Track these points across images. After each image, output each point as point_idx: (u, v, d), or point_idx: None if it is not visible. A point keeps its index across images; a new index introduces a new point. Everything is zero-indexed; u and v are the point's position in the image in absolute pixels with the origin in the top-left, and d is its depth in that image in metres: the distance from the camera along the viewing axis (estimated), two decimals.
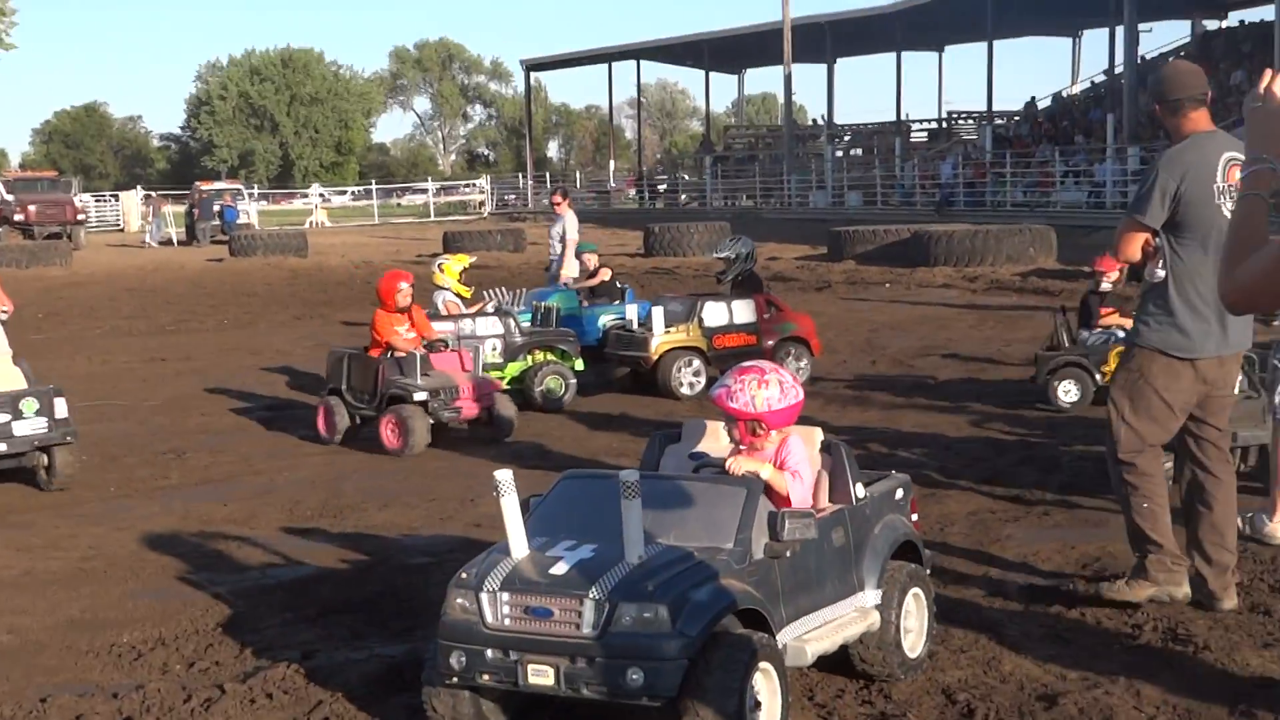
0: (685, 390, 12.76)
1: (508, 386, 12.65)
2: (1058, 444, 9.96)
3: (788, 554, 4.91)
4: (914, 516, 5.83)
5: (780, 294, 18.15)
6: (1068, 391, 11.22)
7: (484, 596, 4.73)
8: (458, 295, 13.23)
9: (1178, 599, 6.13)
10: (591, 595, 4.56)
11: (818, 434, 5.64)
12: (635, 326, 13.38)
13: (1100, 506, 8.06)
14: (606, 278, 15.31)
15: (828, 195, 47.67)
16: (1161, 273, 6.09)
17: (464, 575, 4.84)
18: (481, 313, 12.90)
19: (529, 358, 12.70)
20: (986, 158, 43.50)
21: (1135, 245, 6.15)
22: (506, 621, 4.69)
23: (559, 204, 18.23)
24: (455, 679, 4.75)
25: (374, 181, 72.43)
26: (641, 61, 63.54)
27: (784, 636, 4.88)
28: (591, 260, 15.72)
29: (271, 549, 7.95)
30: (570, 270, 16.83)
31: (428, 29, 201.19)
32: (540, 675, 4.59)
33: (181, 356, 17.62)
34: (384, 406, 10.85)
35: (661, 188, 62.56)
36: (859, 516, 5.42)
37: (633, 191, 65.32)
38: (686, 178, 62.55)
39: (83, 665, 6.08)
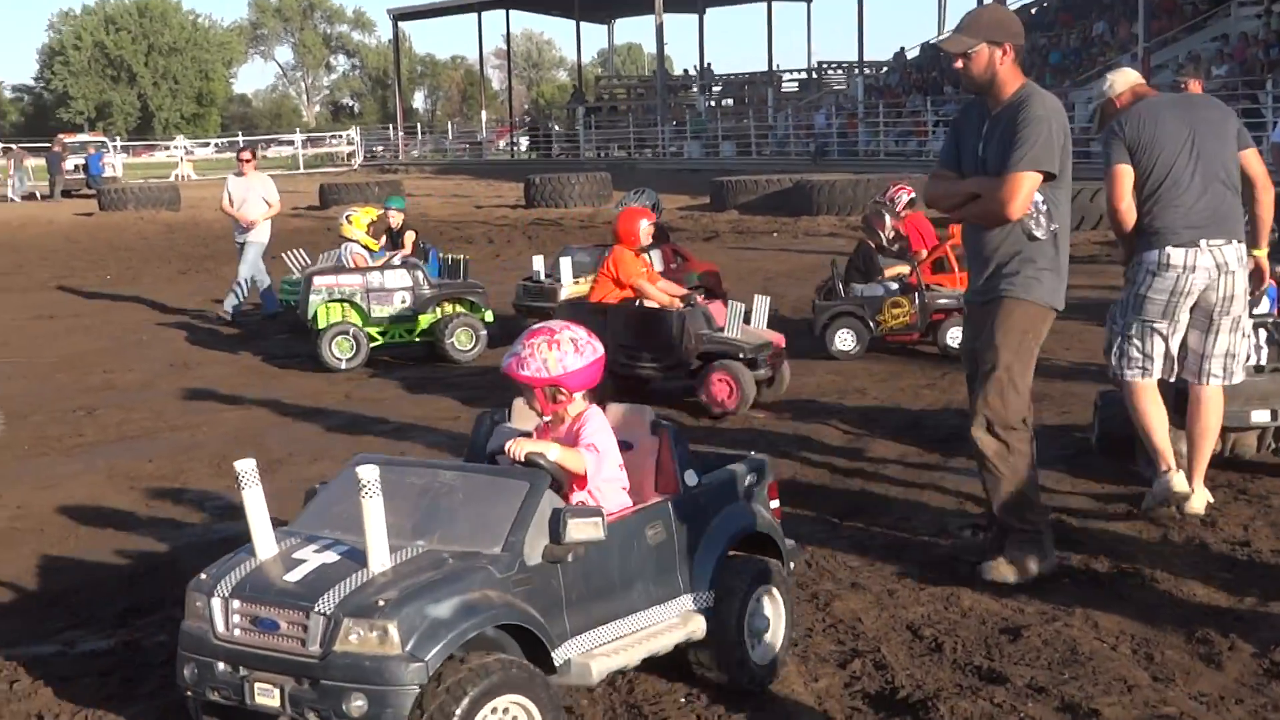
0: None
1: (416, 339, 12.67)
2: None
3: (570, 558, 4.37)
4: (774, 503, 5.31)
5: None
6: (844, 339, 11.65)
7: (215, 603, 4.26)
8: (365, 248, 13.13)
9: (1054, 566, 5.99)
10: (318, 608, 4.07)
11: (647, 413, 5.13)
12: (542, 278, 13.38)
13: None
14: (412, 239, 14.20)
15: (702, 145, 47.86)
16: (1055, 226, 5.91)
17: (203, 577, 4.38)
18: (389, 265, 12.82)
19: (438, 310, 12.68)
20: (858, 108, 43.99)
21: (1029, 199, 5.86)
22: (236, 632, 4.22)
23: (248, 163, 16.44)
24: (190, 693, 4.31)
25: (239, 133, 71.00)
26: (511, 10, 63.07)
27: (568, 651, 4.36)
28: (397, 219, 14.30)
29: (208, 505, 7.90)
30: (260, 235, 15.90)
31: None
32: (266, 695, 4.12)
33: (70, 314, 17.27)
34: (693, 364, 9.89)
35: (525, 142, 62.19)
36: (687, 508, 4.86)
37: (503, 142, 64.97)
38: (557, 129, 62.28)
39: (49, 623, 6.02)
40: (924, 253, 12.21)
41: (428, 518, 4.46)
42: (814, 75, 59.23)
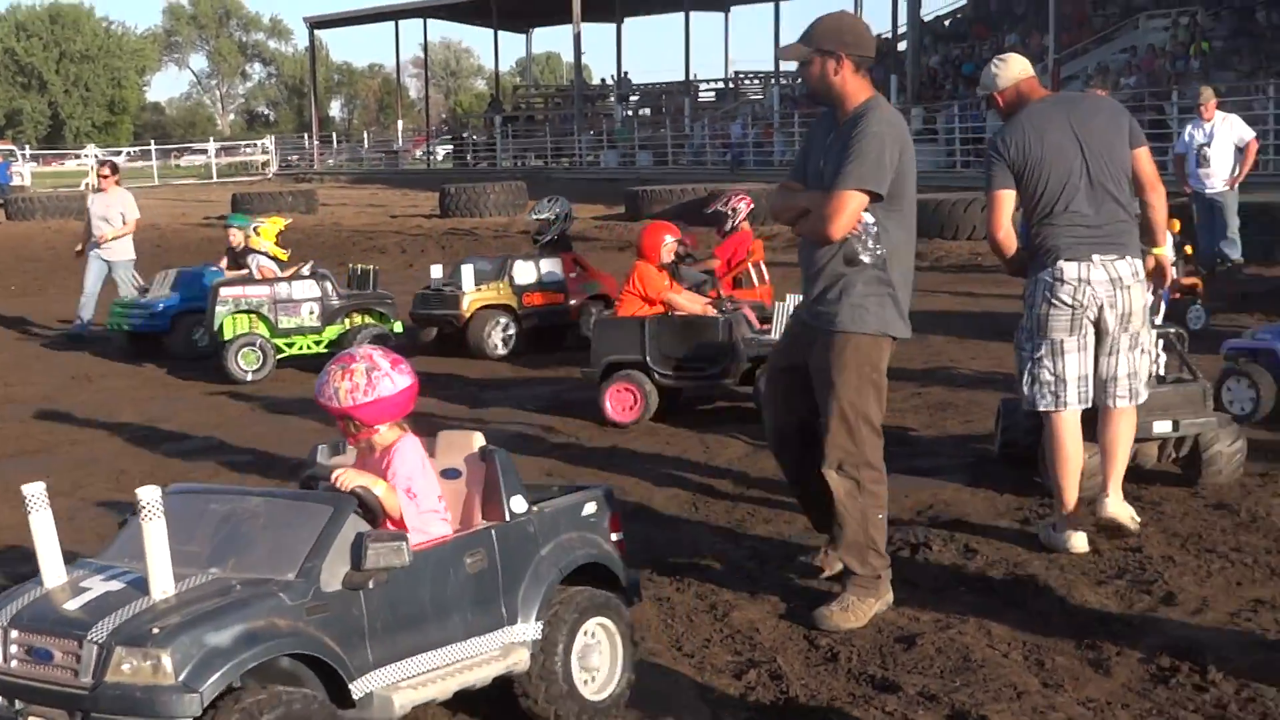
0: (500, 350, 12.78)
1: (325, 350, 12.57)
2: None
3: (370, 584, 4.15)
4: (616, 536, 5.08)
5: (583, 254, 18.23)
6: None
7: None
8: (274, 258, 13.00)
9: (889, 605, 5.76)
10: (90, 637, 3.87)
11: (477, 439, 4.94)
12: (439, 286, 13.30)
13: (927, 454, 8.39)
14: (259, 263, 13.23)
15: (618, 155, 47.90)
16: (881, 250, 5.67)
17: None
18: (298, 275, 12.72)
19: (347, 321, 12.60)
20: (774, 117, 44.23)
21: (853, 219, 5.63)
22: (13, 664, 4.01)
23: (108, 179, 15.93)
24: None
25: (152, 142, 70.23)
26: (428, 19, 62.85)
27: (370, 683, 4.16)
28: (237, 238, 13.53)
29: (106, 519, 7.78)
30: (124, 252, 15.45)
31: None
32: None
33: None
34: (736, 372, 9.65)
35: (445, 150, 61.95)
36: (512, 537, 4.66)
37: (420, 151, 64.70)
38: (475, 138, 62.11)
39: None
40: (717, 261, 12.33)
41: (225, 544, 4.29)
42: (731, 85, 59.48)
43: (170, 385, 12.31)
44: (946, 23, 48.85)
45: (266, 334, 12.25)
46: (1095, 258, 6.27)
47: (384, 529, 4.34)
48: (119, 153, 74.99)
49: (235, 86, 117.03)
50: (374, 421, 4.54)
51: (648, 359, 9.69)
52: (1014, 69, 6.56)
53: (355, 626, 4.16)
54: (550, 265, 13.01)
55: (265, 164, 64.24)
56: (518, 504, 4.73)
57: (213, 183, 56.47)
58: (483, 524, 4.71)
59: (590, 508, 5.00)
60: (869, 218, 5.63)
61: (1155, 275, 6.66)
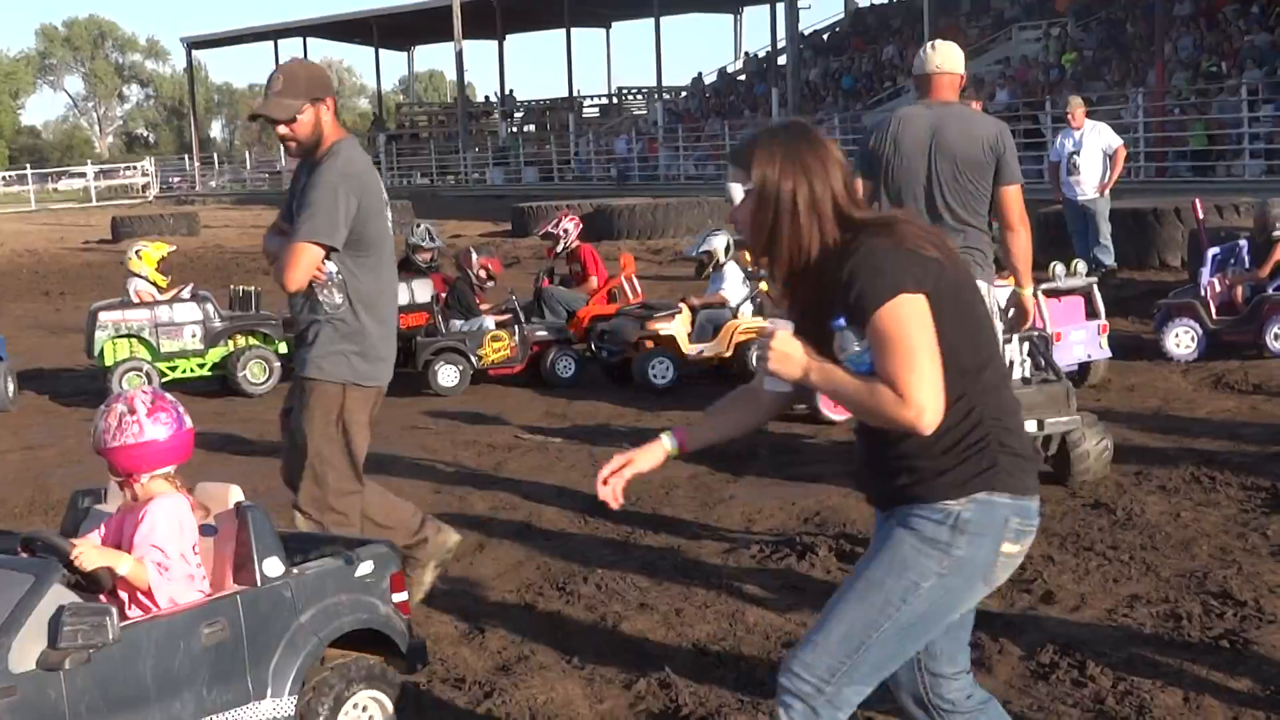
0: None
1: (209, 373, 12.43)
2: None
3: (68, 664, 3.73)
4: (400, 596, 4.72)
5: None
6: (448, 375, 11.78)
7: None
8: (153, 284, 12.78)
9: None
10: None
11: (233, 493, 4.55)
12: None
13: (813, 461, 8.50)
14: None
15: (505, 172, 47.86)
16: (340, 300, 5.58)
17: None
18: (178, 299, 12.54)
19: (230, 343, 12.47)
20: (659, 132, 44.46)
21: (309, 272, 5.49)
22: None
23: None
24: None
25: (28, 165, 68.88)
26: (308, 39, 62.40)
27: None
28: None
29: None
30: None
31: (76, 6, 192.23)
32: None
33: None
34: None
35: None
36: (263, 603, 4.27)
37: None
38: None
39: None
40: (595, 281, 12.46)
41: None
42: (615, 100, 59.69)
43: (52, 412, 12.07)
44: (825, 36, 49.44)
45: (149, 358, 12.09)
46: None
47: (107, 601, 3.96)
48: None
49: (113, 108, 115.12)
50: (128, 468, 4.22)
51: None
52: (935, 59, 6.50)
53: (53, 711, 3.76)
54: (421, 286, 12.88)
55: (145, 187, 63.27)
56: (271, 567, 4.32)
57: (92, 206, 55.52)
58: (230, 589, 4.31)
59: (366, 567, 4.59)
60: (331, 266, 5.51)
61: (1016, 317, 6.76)
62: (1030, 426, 7.32)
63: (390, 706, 4.53)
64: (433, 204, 40.22)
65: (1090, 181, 15.05)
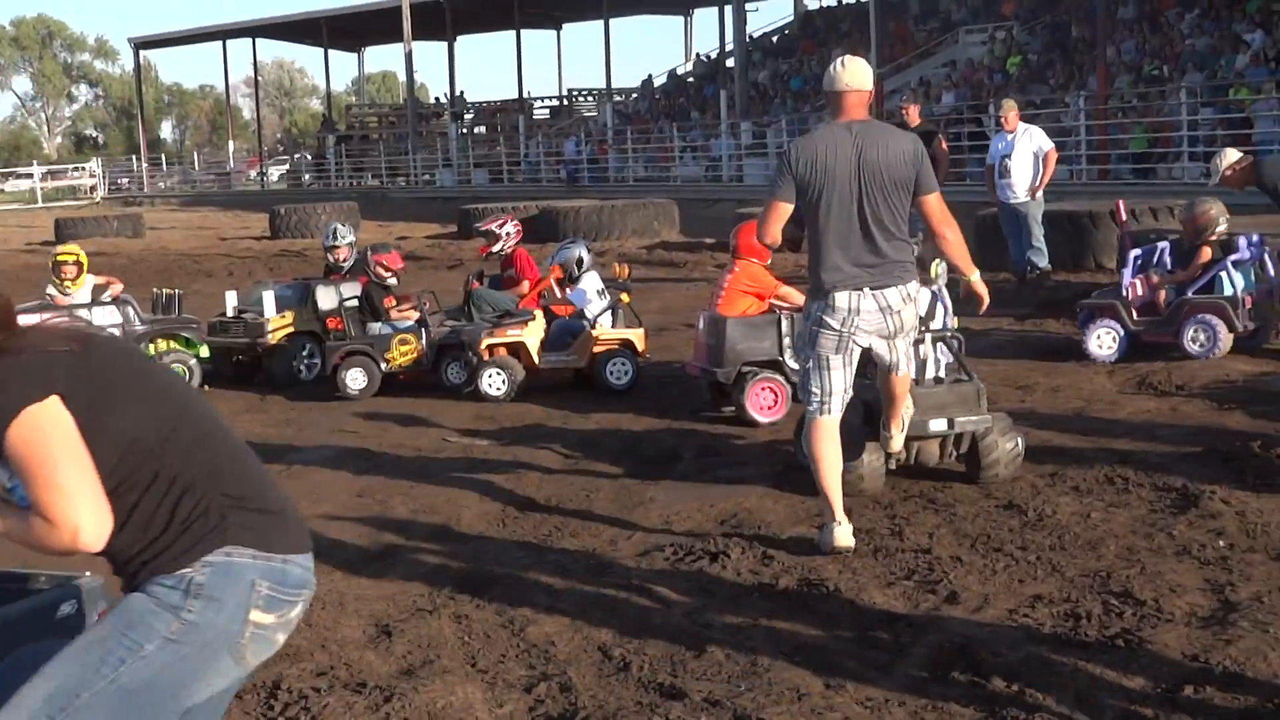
0: (305, 375, 12.62)
1: None
2: (688, 408, 10.39)
3: None
4: None
5: (414, 273, 18.16)
6: (355, 379, 11.77)
7: None
8: (57, 288, 12.61)
9: None
10: None
11: None
12: (230, 313, 13.01)
13: (735, 463, 8.53)
14: None
15: (454, 173, 47.75)
16: None
17: None
18: (99, 302, 12.42)
19: (151, 346, 12.37)
20: (608, 134, 44.48)
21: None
22: None
23: None
24: None
25: None
26: (257, 40, 62.10)
27: None
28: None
29: None
30: None
31: (24, 5, 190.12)
32: None
33: None
34: None
35: (278, 170, 61.24)
36: None
37: (254, 172, 63.80)
38: (310, 158, 61.44)
39: None
40: (526, 285, 12.48)
41: None
42: (565, 102, 59.67)
43: None
44: (775, 39, 49.57)
45: None
46: (866, 289, 6.58)
47: None
48: None
49: (62, 109, 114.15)
50: None
51: (784, 356, 9.71)
52: (844, 78, 6.64)
53: None
54: (351, 289, 12.84)
55: (93, 188, 62.78)
56: None
57: (38, 208, 55.08)
58: None
59: (67, 608, 3.95)
60: None
61: (969, 299, 7.01)
62: (941, 425, 7.49)
63: None
64: (382, 206, 40.16)
65: (1022, 184, 15.15)
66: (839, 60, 6.77)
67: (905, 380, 7.07)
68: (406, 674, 5.39)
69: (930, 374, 7.81)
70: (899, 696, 4.91)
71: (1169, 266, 11.51)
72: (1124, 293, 11.29)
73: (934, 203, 6.70)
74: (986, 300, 7.06)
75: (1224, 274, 11.11)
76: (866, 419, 7.51)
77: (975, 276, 6.97)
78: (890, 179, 6.53)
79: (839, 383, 6.73)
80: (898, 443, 7.35)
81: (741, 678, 5.12)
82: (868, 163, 6.50)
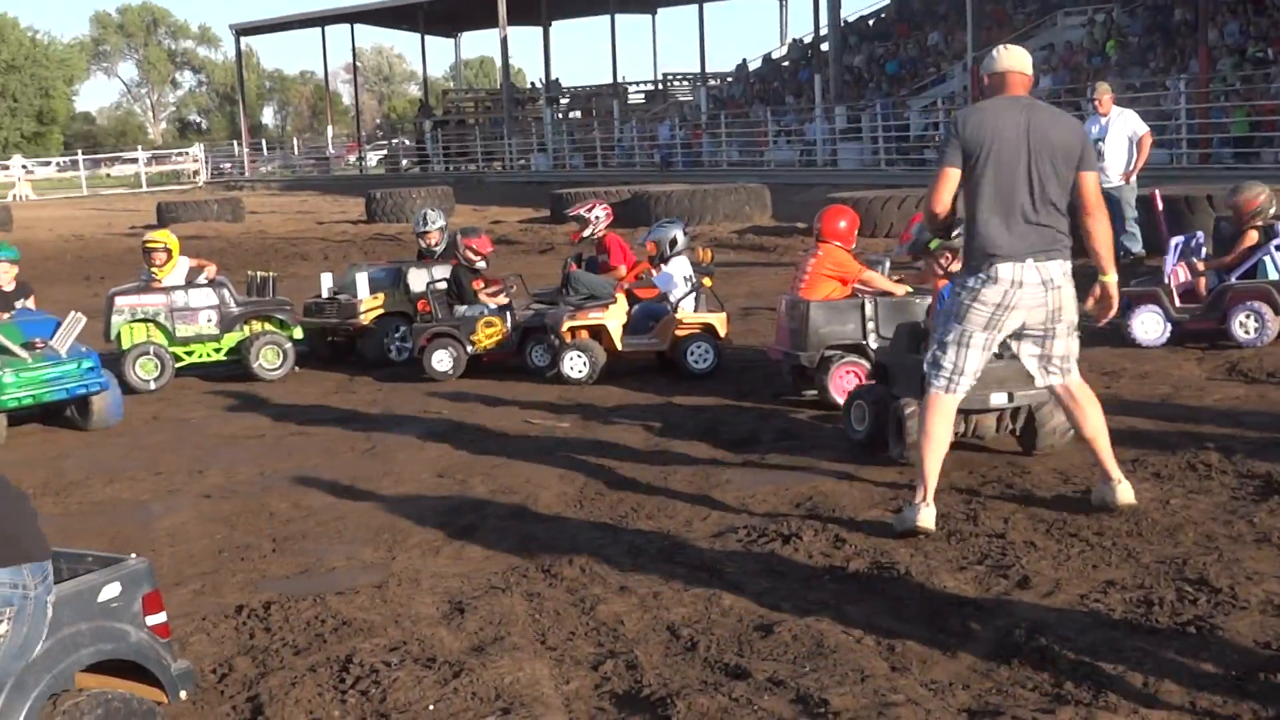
0: (396, 356, 12.78)
1: (224, 358, 12.56)
2: (769, 392, 10.39)
3: None
4: (158, 618, 4.34)
5: (506, 257, 18.28)
6: (441, 360, 11.86)
7: None
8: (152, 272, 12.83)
9: None
10: None
11: None
12: (326, 296, 13.23)
13: (812, 447, 8.52)
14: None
15: (549, 158, 47.92)
16: None
17: None
18: (194, 284, 12.65)
19: (245, 328, 12.59)
20: (702, 119, 44.41)
21: None
22: None
23: None
24: None
25: (80, 151, 69.59)
26: (356, 25, 62.63)
27: None
28: (7, 274, 11.47)
29: None
30: None
31: None
32: None
33: None
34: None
35: (377, 155, 61.77)
36: None
37: (353, 157, 64.43)
38: (407, 143, 61.92)
39: None
40: (624, 269, 12.50)
41: None
42: (660, 87, 59.63)
43: None
44: (870, 22, 49.18)
45: (164, 342, 12.22)
46: (1029, 261, 6.47)
47: None
48: (48, 163, 74.36)
49: (166, 95, 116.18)
50: None
51: (868, 340, 9.74)
52: (1005, 60, 6.72)
53: None
54: (442, 272, 12.96)
55: (196, 173, 63.77)
56: None
57: (142, 192, 56.08)
58: None
59: (111, 591, 4.16)
60: None
61: (1101, 303, 6.74)
62: (1001, 399, 7.72)
63: None
64: (476, 190, 40.41)
65: (1115, 168, 14.94)
66: (1000, 46, 6.93)
67: (1083, 391, 6.80)
68: (476, 650, 5.46)
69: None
70: (964, 679, 4.90)
71: (1205, 254, 11.39)
72: (1165, 280, 11.17)
73: (1091, 182, 6.63)
74: (1114, 309, 6.79)
75: (1267, 259, 10.93)
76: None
77: (1112, 278, 6.72)
78: (1057, 150, 6.52)
79: (973, 363, 6.63)
80: (1127, 491, 6.75)
81: (807, 659, 5.14)
82: (1036, 131, 6.50)
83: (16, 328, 10.40)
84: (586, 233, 12.89)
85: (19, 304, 11.04)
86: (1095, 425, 6.80)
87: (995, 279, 6.49)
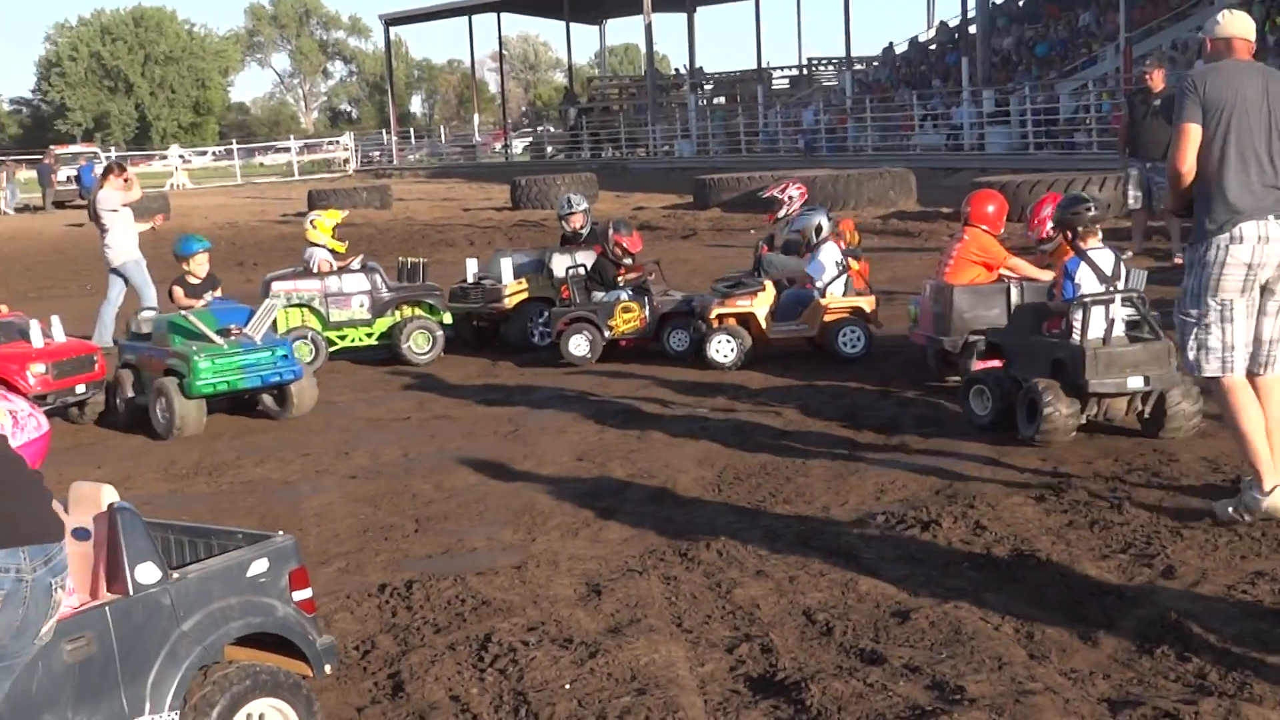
0: (540, 341, 12.89)
1: (375, 342, 12.78)
2: (910, 380, 10.30)
3: None
4: (303, 594, 4.46)
5: (648, 242, 18.29)
6: (579, 345, 11.89)
7: None
8: (332, 251, 13.15)
9: None
10: None
11: (106, 493, 4.15)
12: (470, 280, 13.37)
13: (954, 433, 8.44)
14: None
15: (693, 144, 47.92)
16: None
17: None
18: (347, 269, 12.91)
19: (396, 313, 12.81)
20: (847, 103, 44.07)
21: None
22: None
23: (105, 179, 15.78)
24: None
25: (235, 141, 71.23)
26: (502, 14, 63.17)
27: None
28: (201, 264, 11.37)
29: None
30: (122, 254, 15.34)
31: None
32: None
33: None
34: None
35: (522, 143, 62.32)
36: (136, 613, 3.99)
37: (499, 145, 65.06)
38: (552, 130, 62.37)
39: None
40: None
41: None
42: (804, 72, 59.26)
43: None
44: (1020, 3, 48.36)
45: (318, 327, 12.49)
46: (1272, 218, 6.32)
47: None
48: (204, 152, 76.20)
49: (318, 85, 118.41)
50: None
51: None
52: (1231, 26, 6.62)
53: None
54: (585, 258, 13.06)
55: (346, 160, 64.89)
56: (145, 573, 4.03)
57: (294, 180, 57.18)
58: (100, 600, 4.00)
59: (259, 566, 4.32)
60: None
61: None
62: (1137, 382, 7.74)
63: (293, 713, 4.28)
64: (622, 176, 40.58)
65: None
66: (1224, 10, 6.88)
67: (1276, 389, 6.51)
68: (613, 631, 5.51)
69: (1119, 331, 7.97)
70: (1104, 669, 4.84)
71: None
72: None
73: None
74: None
75: None
76: (1055, 374, 7.79)
77: None
78: None
79: (1241, 334, 6.36)
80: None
81: (943, 645, 5.10)
82: (1274, 94, 6.38)
83: (211, 315, 10.58)
84: (781, 213, 12.81)
85: (208, 295, 11.21)
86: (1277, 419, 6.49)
87: (1241, 238, 6.32)
